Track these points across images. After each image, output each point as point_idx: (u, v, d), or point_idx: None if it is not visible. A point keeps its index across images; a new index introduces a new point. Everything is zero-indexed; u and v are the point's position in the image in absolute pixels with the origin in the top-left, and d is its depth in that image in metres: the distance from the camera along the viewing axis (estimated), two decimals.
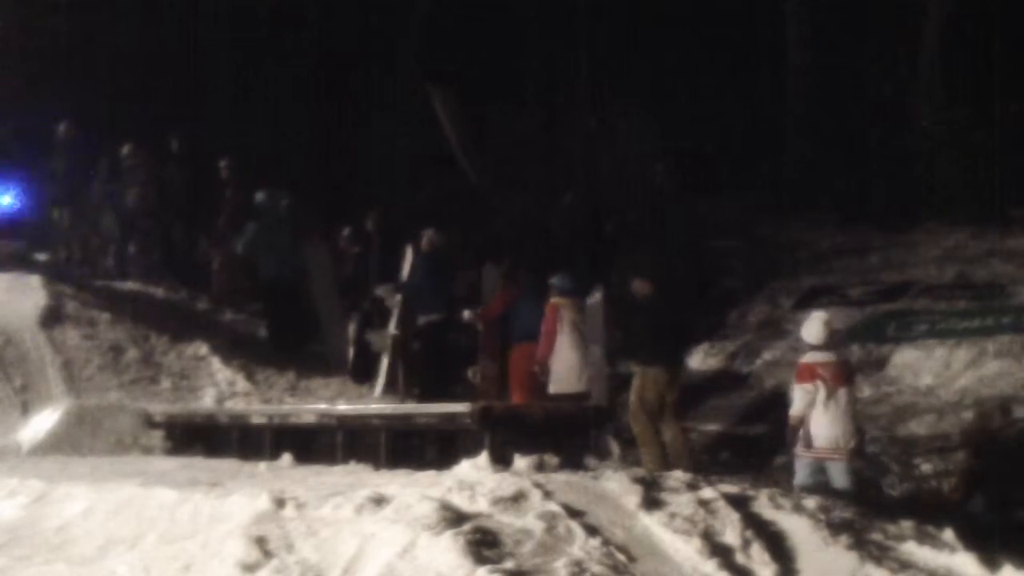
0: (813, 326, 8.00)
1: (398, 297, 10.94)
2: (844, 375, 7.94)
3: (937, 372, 10.42)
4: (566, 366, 9.45)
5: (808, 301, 12.36)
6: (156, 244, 13.26)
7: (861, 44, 16.03)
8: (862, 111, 15.71)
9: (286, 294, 12.20)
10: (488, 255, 11.20)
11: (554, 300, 9.70)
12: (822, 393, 7.77)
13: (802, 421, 7.82)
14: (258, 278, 12.44)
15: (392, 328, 10.90)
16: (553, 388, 9.49)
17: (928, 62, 15.59)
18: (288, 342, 12.15)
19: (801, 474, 7.85)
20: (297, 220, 12.46)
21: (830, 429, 7.74)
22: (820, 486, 7.67)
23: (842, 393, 7.81)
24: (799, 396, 7.87)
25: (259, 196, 12.30)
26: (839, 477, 7.72)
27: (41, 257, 12.94)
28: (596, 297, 10.86)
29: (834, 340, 8.05)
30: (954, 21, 15.39)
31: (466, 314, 10.75)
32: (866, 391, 10.58)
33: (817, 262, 13.56)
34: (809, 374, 7.85)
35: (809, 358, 7.94)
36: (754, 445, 10.20)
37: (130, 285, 12.52)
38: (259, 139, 14.92)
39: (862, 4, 16.00)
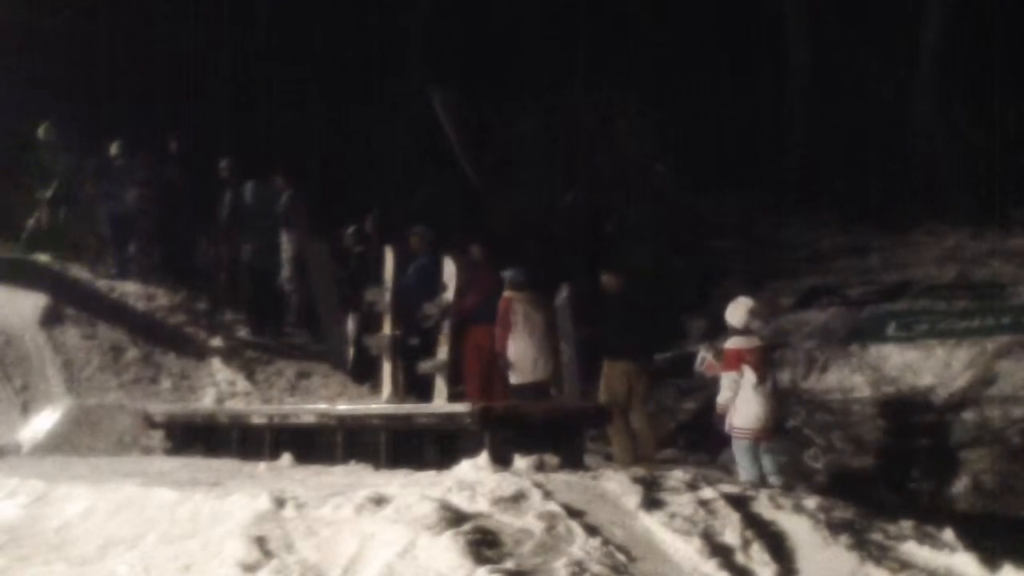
0: (738, 311, 8.23)
1: (387, 299, 10.95)
2: (767, 358, 8.24)
3: (937, 372, 10.44)
4: (521, 356, 9.70)
5: (808, 301, 12.39)
6: (156, 244, 13.26)
7: (861, 44, 16.04)
8: (862, 111, 15.72)
9: (265, 280, 12.42)
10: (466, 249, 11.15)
11: (507, 293, 9.87)
12: (750, 376, 8.03)
13: (728, 407, 8.10)
14: (240, 261, 12.65)
15: (387, 330, 10.90)
16: (513, 379, 9.77)
17: (928, 62, 15.60)
18: (264, 326, 12.35)
19: (743, 459, 8.09)
20: (293, 212, 12.49)
21: (757, 410, 8.01)
22: (759, 467, 8.01)
23: (767, 376, 8.10)
24: (727, 384, 8.13)
25: (249, 184, 12.50)
26: (763, 456, 8.03)
27: (41, 257, 12.92)
28: (562, 296, 11.00)
29: (757, 325, 8.30)
30: (954, 21, 15.40)
31: (427, 307, 10.74)
32: (866, 391, 10.63)
33: (817, 262, 13.57)
34: (736, 360, 8.11)
35: (734, 343, 8.19)
36: None
37: (130, 285, 12.51)
38: (259, 139, 14.91)
39: (862, 4, 16.01)
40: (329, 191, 13.89)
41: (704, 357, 8.46)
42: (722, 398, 8.18)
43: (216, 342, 11.74)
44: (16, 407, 9.87)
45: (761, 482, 7.64)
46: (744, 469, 8.07)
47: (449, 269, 10.62)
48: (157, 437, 9.70)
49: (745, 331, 8.18)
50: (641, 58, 15.90)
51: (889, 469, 9.48)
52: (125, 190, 12.85)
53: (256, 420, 8.95)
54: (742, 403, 8.04)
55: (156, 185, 12.97)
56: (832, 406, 10.62)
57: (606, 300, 9.92)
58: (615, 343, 9.62)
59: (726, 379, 8.12)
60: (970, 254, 12.66)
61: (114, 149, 12.85)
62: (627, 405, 9.38)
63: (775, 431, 8.19)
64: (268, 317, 12.55)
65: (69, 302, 11.62)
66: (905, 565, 4.93)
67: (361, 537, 4.92)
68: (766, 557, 4.82)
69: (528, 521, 4.98)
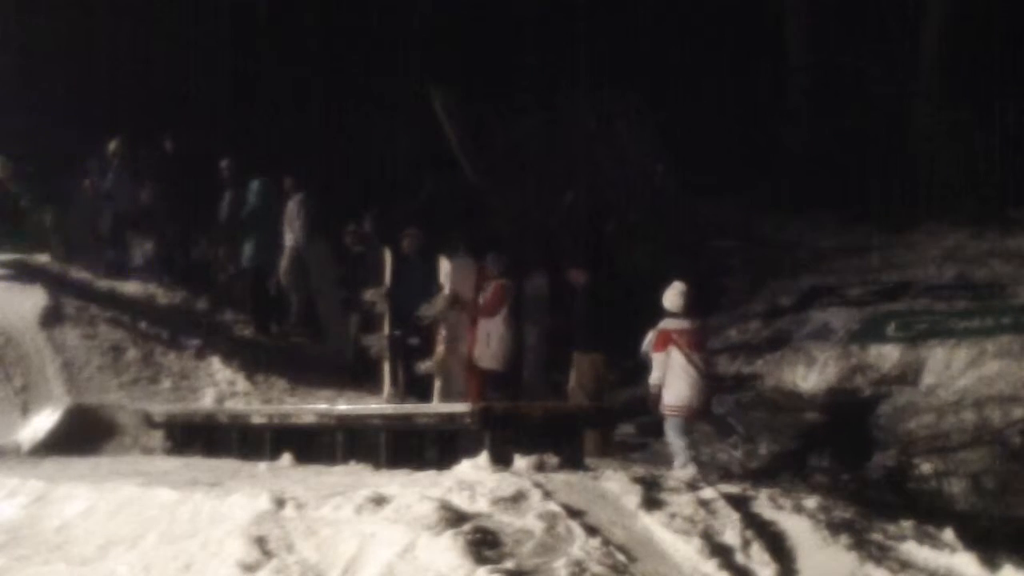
0: (672, 295, 8.64)
1: (386, 300, 10.96)
2: (698, 341, 8.64)
3: (937, 372, 10.44)
4: (506, 344, 10.04)
5: (808, 301, 12.39)
6: (157, 244, 13.25)
7: (861, 44, 16.03)
8: (862, 111, 15.71)
9: (265, 279, 12.47)
10: (480, 253, 11.20)
11: (500, 280, 10.15)
12: (678, 357, 8.43)
13: (661, 387, 8.48)
14: (240, 264, 12.63)
15: (386, 330, 10.90)
16: (489, 364, 10.04)
17: (928, 62, 15.60)
18: (266, 326, 12.39)
19: (674, 436, 8.47)
20: (302, 213, 12.50)
21: (685, 388, 8.41)
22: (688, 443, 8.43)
23: (696, 357, 8.50)
24: (656, 364, 8.55)
25: (252, 183, 12.42)
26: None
27: (41, 257, 12.92)
28: (539, 282, 11.14)
29: (690, 309, 8.65)
30: (954, 21, 15.39)
31: (423, 308, 10.76)
32: (866, 391, 10.63)
33: (817, 262, 13.56)
34: (664, 341, 8.53)
35: (665, 324, 8.60)
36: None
37: (130, 285, 12.51)
38: (259, 139, 14.91)
39: (862, 4, 16.00)
40: (329, 191, 13.87)
41: (651, 339, 8.71)
42: (653, 377, 8.57)
43: (216, 342, 11.73)
44: (16, 407, 9.86)
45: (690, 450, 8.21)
46: (676, 446, 8.42)
47: (445, 269, 10.65)
48: (157, 437, 9.69)
49: (678, 314, 8.54)
50: (641, 58, 15.89)
51: (888, 469, 9.48)
52: (126, 188, 12.84)
53: (256, 420, 8.95)
54: (672, 382, 8.42)
55: (158, 185, 12.96)
56: (830, 406, 10.63)
57: (576, 294, 10.32)
58: (585, 335, 10.01)
59: (656, 359, 8.52)
60: (970, 254, 12.66)
61: (113, 147, 12.84)
62: (597, 396, 9.66)
63: (703, 411, 8.56)
64: (269, 317, 12.57)
65: (69, 302, 11.61)
66: (905, 565, 4.93)
67: (361, 537, 4.92)
68: (766, 557, 4.82)
69: (528, 521, 4.98)
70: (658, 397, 8.57)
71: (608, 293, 10.30)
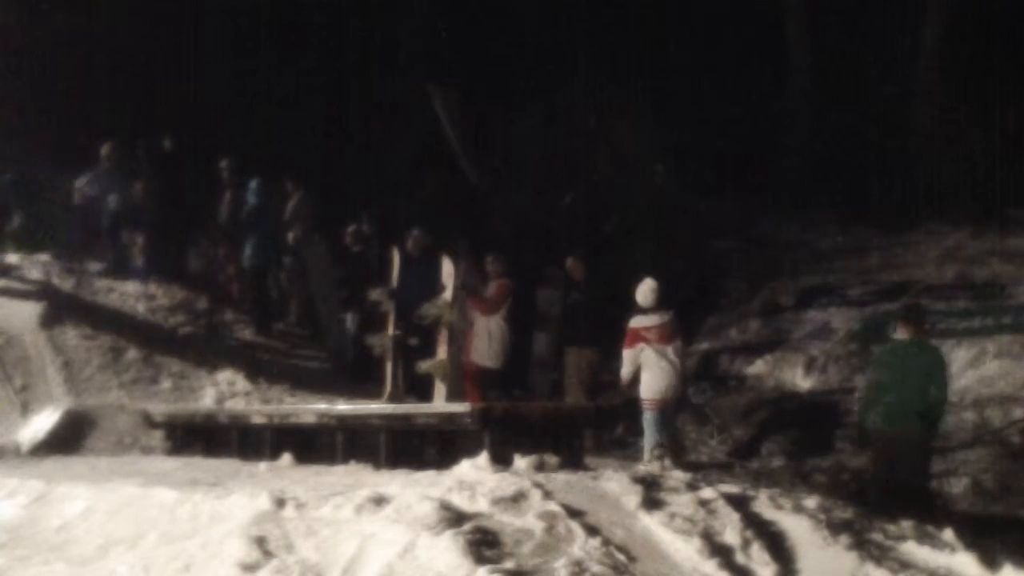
0: (644, 291, 8.92)
1: (391, 300, 10.96)
2: (669, 334, 8.86)
3: None
4: (505, 343, 10.23)
5: (808, 301, 12.39)
6: (156, 244, 13.24)
7: (861, 44, 16.02)
8: (862, 111, 15.70)
9: (264, 279, 12.50)
10: (482, 253, 11.23)
11: (502, 280, 10.39)
12: (650, 352, 8.73)
13: (632, 381, 8.80)
14: (241, 263, 12.62)
15: (391, 330, 10.90)
16: (487, 362, 10.26)
17: (928, 62, 15.59)
18: (267, 326, 12.40)
19: (648, 427, 8.76)
20: (302, 214, 12.49)
21: (658, 382, 8.69)
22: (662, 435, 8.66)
23: (668, 350, 8.76)
24: (625, 360, 8.87)
25: (252, 182, 12.40)
26: (666, 423, 8.70)
27: (41, 258, 12.91)
28: (553, 294, 11.24)
29: (661, 303, 8.89)
30: (954, 21, 15.38)
31: (425, 307, 10.78)
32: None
33: (817, 262, 13.56)
34: (634, 338, 8.83)
35: (635, 323, 8.87)
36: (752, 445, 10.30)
37: (130, 285, 12.51)
38: (259, 139, 14.90)
39: (862, 4, 15.99)
40: (329, 191, 13.88)
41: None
42: (623, 372, 8.89)
43: (216, 342, 11.73)
44: (16, 407, 9.86)
45: (660, 447, 8.49)
46: (647, 436, 8.71)
47: (447, 269, 10.66)
48: (157, 437, 9.70)
49: (649, 309, 8.79)
50: (641, 58, 15.87)
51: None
52: (123, 188, 12.83)
53: (256, 420, 8.95)
54: (645, 376, 8.71)
55: (158, 182, 12.95)
56: (831, 406, 10.62)
57: (571, 289, 10.53)
58: (579, 331, 10.21)
59: (626, 356, 8.82)
60: (970, 254, 12.66)
61: (105, 151, 12.80)
62: (591, 390, 9.93)
63: (675, 400, 8.82)
64: (269, 317, 12.57)
65: (69, 302, 11.61)
66: (905, 565, 4.93)
67: (361, 537, 4.93)
68: (766, 557, 4.82)
69: (528, 521, 4.98)
70: (631, 391, 8.88)
71: (606, 292, 10.35)
